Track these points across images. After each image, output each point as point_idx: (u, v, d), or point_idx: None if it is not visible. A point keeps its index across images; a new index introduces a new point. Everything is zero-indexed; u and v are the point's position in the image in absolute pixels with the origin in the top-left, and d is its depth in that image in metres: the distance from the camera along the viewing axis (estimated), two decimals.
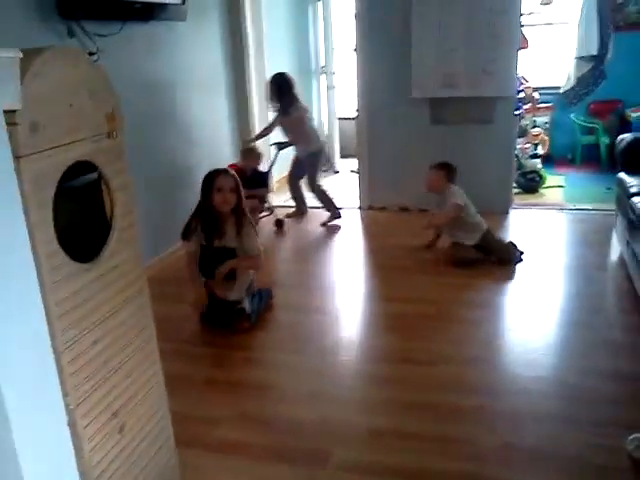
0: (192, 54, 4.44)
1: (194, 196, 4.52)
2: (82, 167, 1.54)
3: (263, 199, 4.93)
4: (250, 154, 4.80)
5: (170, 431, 2.05)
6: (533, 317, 3.25)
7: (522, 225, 4.75)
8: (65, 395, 1.48)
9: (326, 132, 7.43)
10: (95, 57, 3.10)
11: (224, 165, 5.04)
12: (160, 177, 4.15)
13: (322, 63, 7.20)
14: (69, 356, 1.50)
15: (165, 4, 3.72)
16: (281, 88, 4.77)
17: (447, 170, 4.04)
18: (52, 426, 1.40)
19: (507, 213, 4.99)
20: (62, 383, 1.47)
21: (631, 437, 2.17)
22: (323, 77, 7.21)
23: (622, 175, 3.94)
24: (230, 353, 3.05)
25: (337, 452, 2.26)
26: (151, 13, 3.66)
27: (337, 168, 7.02)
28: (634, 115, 5.83)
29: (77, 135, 1.48)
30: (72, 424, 1.51)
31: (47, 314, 1.42)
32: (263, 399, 2.63)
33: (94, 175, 1.60)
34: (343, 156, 7.05)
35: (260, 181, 4.80)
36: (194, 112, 4.55)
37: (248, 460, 2.26)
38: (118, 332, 1.72)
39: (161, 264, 4.15)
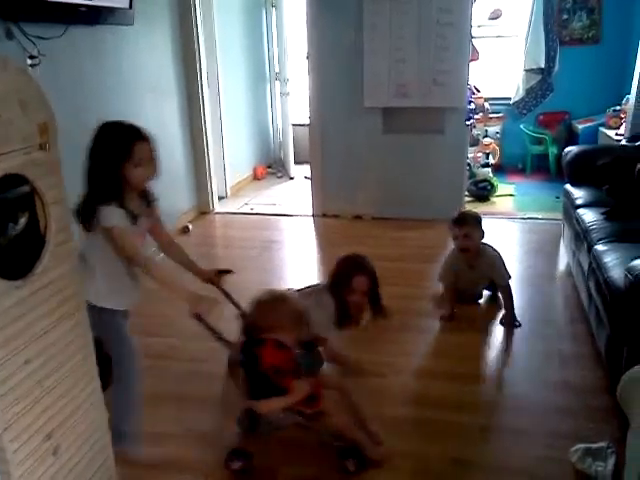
0: (141, 59, 4.34)
1: None
2: (13, 180, 1.48)
3: None
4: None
5: (109, 450, 1.98)
6: (483, 328, 3.28)
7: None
8: None
9: (280, 138, 7.42)
10: (36, 61, 3.00)
11: (175, 172, 4.99)
12: None
13: (276, 69, 7.18)
14: None
15: (111, 8, 3.62)
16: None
17: (481, 225, 3.33)
18: None
19: None
20: None
21: (574, 448, 2.20)
22: (277, 83, 7.19)
23: (568, 187, 4.03)
24: (177, 365, 2.98)
25: (284, 469, 2.23)
26: (97, 17, 3.55)
27: (292, 174, 7.00)
28: (580, 126, 5.99)
29: (5, 147, 1.41)
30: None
31: None
32: (210, 414, 2.57)
33: (26, 188, 1.53)
34: (297, 162, 7.02)
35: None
36: (143, 118, 4.45)
37: (192, 478, 2.20)
38: (53, 350, 1.66)
39: None
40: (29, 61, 3.04)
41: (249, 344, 2.07)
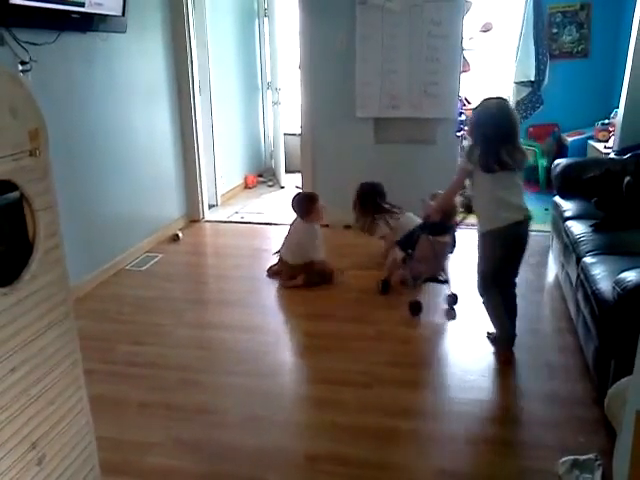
0: (133, 67, 4.34)
1: (132, 209, 4.45)
2: (2, 186, 1.47)
3: None
4: None
5: (96, 459, 1.96)
6: (471, 338, 3.29)
7: (464, 244, 4.80)
8: None
9: (271, 147, 7.43)
10: (28, 67, 3.00)
11: (165, 179, 4.99)
12: (98, 190, 4.04)
13: (268, 79, 7.20)
14: None
15: (104, 15, 3.62)
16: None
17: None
18: None
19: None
20: None
21: (561, 460, 2.20)
22: (269, 93, 7.21)
23: (557, 199, 4.06)
24: (166, 374, 2.96)
25: (271, 478, 2.21)
26: (89, 24, 3.55)
27: (283, 183, 7.00)
28: (570, 139, 6.04)
29: None
30: None
31: None
32: (198, 423, 2.56)
33: (16, 194, 1.52)
34: (288, 171, 7.03)
35: None
36: (134, 126, 4.45)
37: None
38: (40, 358, 1.64)
39: (98, 280, 4.03)
40: (20, 67, 3.04)
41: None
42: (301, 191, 4.28)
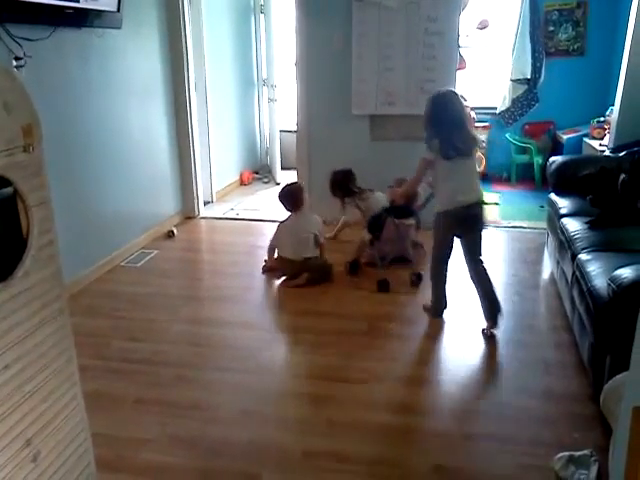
0: (128, 63, 4.32)
1: (128, 205, 4.44)
2: None
3: None
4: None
5: (91, 456, 1.96)
6: (466, 335, 3.29)
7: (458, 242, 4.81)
8: None
9: (267, 144, 7.42)
10: (22, 62, 2.98)
11: (160, 176, 4.98)
12: (93, 186, 4.02)
13: (264, 75, 7.19)
14: None
15: (99, 11, 3.60)
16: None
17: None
18: None
19: None
20: None
21: (557, 456, 2.20)
22: (265, 89, 7.20)
23: (553, 196, 4.06)
24: (161, 370, 2.95)
25: (266, 474, 2.21)
26: (84, 19, 3.53)
27: (278, 180, 6.99)
28: (565, 137, 6.04)
29: None
30: None
31: None
32: (193, 419, 2.55)
33: (9, 190, 1.51)
34: (284, 168, 7.02)
35: None
36: (129, 122, 4.43)
37: None
38: (34, 355, 1.63)
39: (93, 276, 4.02)
40: (14, 62, 3.02)
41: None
42: (284, 185, 4.42)
